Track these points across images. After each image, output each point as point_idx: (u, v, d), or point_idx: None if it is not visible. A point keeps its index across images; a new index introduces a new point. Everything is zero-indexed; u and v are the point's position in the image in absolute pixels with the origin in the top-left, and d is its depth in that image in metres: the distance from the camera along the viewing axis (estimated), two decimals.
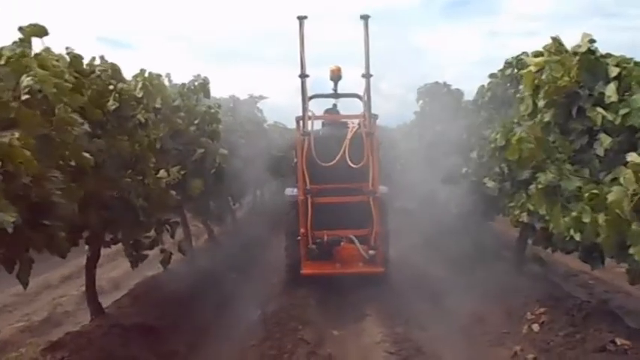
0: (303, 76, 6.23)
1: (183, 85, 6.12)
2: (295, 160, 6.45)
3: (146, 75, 4.92)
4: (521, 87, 6.71)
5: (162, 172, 4.89)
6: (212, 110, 6.10)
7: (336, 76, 6.73)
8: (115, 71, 4.20)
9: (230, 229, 10.26)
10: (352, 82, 6.58)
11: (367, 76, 6.21)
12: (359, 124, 6.39)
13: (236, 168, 7.81)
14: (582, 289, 6.70)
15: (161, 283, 6.33)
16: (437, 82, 10.22)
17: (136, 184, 4.14)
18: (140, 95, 4.22)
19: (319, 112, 6.94)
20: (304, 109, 6.34)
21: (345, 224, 6.23)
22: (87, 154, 3.22)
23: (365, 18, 6.09)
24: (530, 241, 5.79)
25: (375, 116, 6.38)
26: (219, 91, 12.70)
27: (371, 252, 6.07)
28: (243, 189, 9.28)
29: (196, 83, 6.36)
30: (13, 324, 5.75)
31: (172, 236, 5.52)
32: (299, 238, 6.20)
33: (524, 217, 4.61)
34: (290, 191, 6.61)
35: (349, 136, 6.19)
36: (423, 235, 9.03)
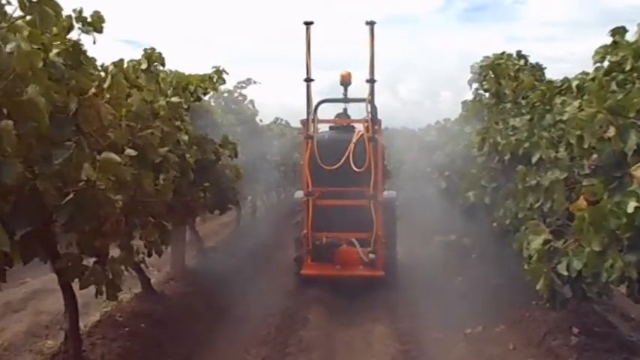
0: (309, 80, 6.41)
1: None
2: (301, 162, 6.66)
3: None
4: None
5: None
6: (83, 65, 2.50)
7: (346, 81, 6.89)
8: None
9: (191, 265, 7.00)
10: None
11: (371, 81, 6.32)
12: (365, 128, 6.41)
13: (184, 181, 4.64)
14: None
15: None
16: (504, 53, 6.69)
17: None
18: None
19: (331, 116, 7.13)
20: (309, 112, 6.50)
21: (348, 227, 6.29)
22: None
23: (371, 24, 6.18)
24: None
25: (379, 121, 6.53)
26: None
27: (371, 255, 6.15)
28: (204, 208, 6.08)
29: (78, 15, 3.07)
30: None
31: None
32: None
33: None
34: (299, 194, 6.79)
35: (354, 140, 6.31)
36: (484, 295, 5.62)
